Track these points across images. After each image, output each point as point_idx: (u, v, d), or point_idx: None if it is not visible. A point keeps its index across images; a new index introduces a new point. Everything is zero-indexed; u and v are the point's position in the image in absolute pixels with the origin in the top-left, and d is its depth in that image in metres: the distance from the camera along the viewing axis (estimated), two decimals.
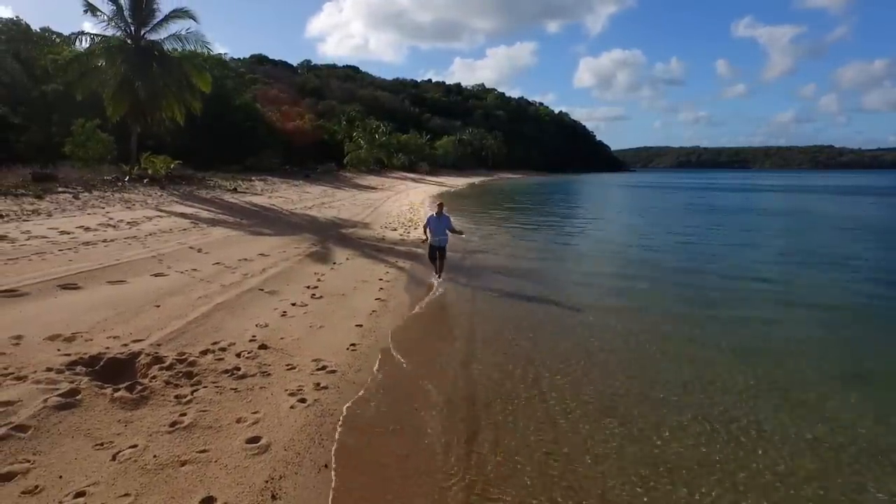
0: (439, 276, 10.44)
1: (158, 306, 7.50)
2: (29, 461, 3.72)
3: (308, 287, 9.28)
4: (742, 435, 4.72)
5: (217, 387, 5.15)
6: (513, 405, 5.20)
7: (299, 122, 54.58)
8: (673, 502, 3.79)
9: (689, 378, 5.98)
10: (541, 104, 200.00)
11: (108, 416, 4.46)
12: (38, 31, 40.12)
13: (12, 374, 4.94)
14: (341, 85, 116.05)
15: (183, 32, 25.38)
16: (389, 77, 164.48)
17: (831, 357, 6.94)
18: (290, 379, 5.46)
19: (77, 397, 4.62)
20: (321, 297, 8.72)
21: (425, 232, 10.71)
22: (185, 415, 4.56)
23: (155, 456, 3.93)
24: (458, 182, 67.27)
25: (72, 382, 4.85)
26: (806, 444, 4.61)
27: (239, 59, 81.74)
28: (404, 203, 31.29)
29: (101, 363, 5.38)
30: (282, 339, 6.58)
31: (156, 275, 9.37)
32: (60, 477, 3.59)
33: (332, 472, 3.93)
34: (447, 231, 10.56)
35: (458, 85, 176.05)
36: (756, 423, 4.95)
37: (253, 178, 34.41)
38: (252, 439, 4.24)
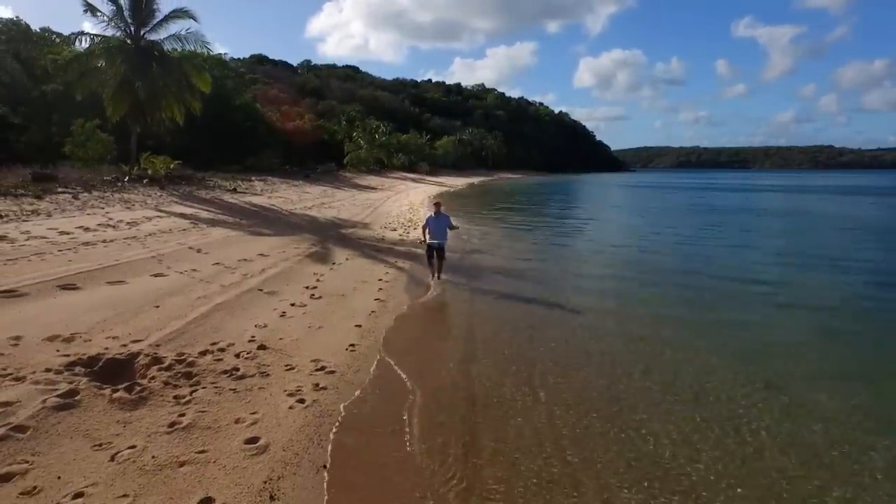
0: (438, 277, 10.40)
1: (158, 307, 7.50)
2: (27, 462, 3.72)
3: (307, 287, 9.28)
4: (737, 435, 4.72)
5: (216, 387, 5.15)
6: (511, 406, 5.20)
7: (299, 122, 54.60)
8: None
9: (687, 380, 5.98)
10: (541, 104, 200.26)
11: (107, 416, 4.46)
12: (38, 31, 40.17)
13: (11, 374, 4.94)
14: (341, 85, 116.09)
15: (183, 32, 25.43)
16: (389, 77, 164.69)
17: (831, 360, 6.92)
18: (289, 379, 5.46)
19: (76, 398, 4.62)
20: (320, 297, 8.72)
21: (424, 234, 10.61)
22: (183, 415, 4.56)
23: (153, 456, 3.93)
24: (458, 182, 67.29)
25: (70, 383, 4.85)
26: (805, 448, 4.60)
27: (239, 59, 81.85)
28: (404, 203, 31.30)
29: (100, 364, 5.39)
30: (281, 339, 6.58)
31: (155, 275, 9.38)
32: (59, 477, 3.59)
33: (331, 473, 3.93)
34: (447, 230, 10.52)
35: (458, 85, 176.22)
36: (754, 425, 4.95)
37: (253, 178, 34.42)
38: (251, 440, 4.24)
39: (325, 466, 4.02)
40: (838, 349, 7.34)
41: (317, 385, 5.36)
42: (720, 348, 7.03)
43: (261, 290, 8.91)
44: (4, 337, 5.84)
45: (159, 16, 25.56)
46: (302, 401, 4.99)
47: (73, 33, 25.85)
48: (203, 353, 5.91)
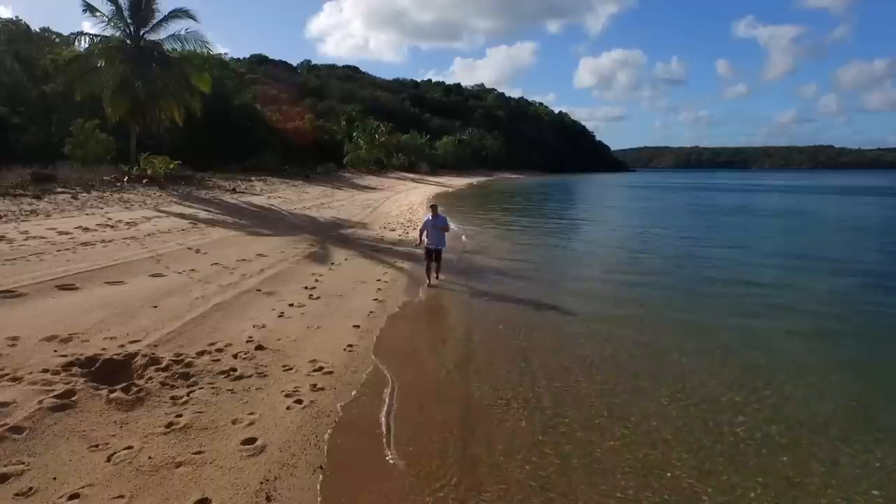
0: (437, 277, 10.34)
1: (156, 307, 7.49)
2: (23, 463, 3.71)
3: (306, 288, 9.27)
4: (730, 440, 4.72)
5: (213, 388, 5.15)
6: (508, 407, 5.19)
7: (299, 122, 54.60)
8: None
9: (686, 382, 5.97)
10: (540, 104, 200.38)
11: (104, 417, 4.46)
12: (38, 31, 40.22)
13: (8, 375, 4.94)
14: (341, 85, 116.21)
15: (182, 32, 25.46)
16: (389, 77, 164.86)
17: (830, 363, 6.91)
18: (287, 380, 5.45)
19: (73, 398, 4.61)
20: (319, 297, 8.71)
21: (421, 237, 10.45)
22: (180, 416, 4.56)
23: (150, 457, 3.92)
24: (458, 182, 67.28)
25: (67, 384, 4.85)
26: (805, 454, 4.59)
27: (239, 59, 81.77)
28: (403, 203, 31.30)
29: (98, 364, 5.38)
30: (279, 339, 6.57)
31: (154, 275, 9.37)
32: (54, 478, 3.58)
33: (327, 474, 3.93)
34: (443, 232, 10.40)
35: (458, 85, 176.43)
36: (750, 432, 4.94)
37: (252, 178, 34.40)
38: (248, 440, 4.23)
39: (321, 467, 4.01)
40: (839, 352, 7.26)
41: (314, 385, 5.35)
42: (718, 350, 7.03)
43: (259, 290, 8.90)
44: (2, 337, 5.84)
45: (159, 16, 25.59)
46: (300, 401, 4.98)
47: (72, 33, 25.92)
48: (201, 354, 5.90)
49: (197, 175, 29.94)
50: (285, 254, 12.36)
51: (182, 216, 17.40)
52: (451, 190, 52.62)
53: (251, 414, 4.68)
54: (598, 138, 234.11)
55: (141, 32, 25.61)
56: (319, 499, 3.66)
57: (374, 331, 7.28)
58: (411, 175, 69.38)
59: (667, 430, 4.76)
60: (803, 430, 4.86)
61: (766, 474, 4.13)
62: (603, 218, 28.52)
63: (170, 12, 25.55)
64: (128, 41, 25.44)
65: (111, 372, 5.30)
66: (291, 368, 5.75)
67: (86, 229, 13.33)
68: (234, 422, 4.53)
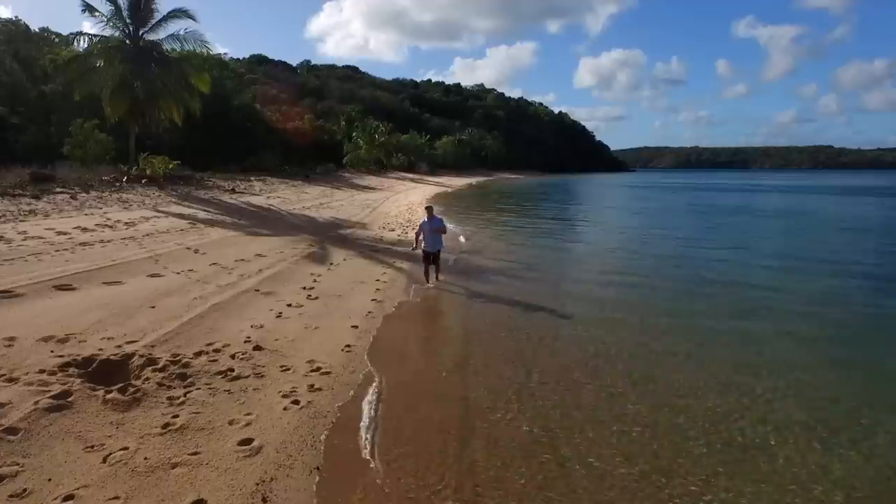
0: (437, 278, 10.29)
1: (153, 307, 7.48)
2: (18, 464, 3.69)
3: (304, 288, 9.25)
4: (725, 436, 4.70)
5: (210, 388, 5.13)
6: (506, 407, 5.17)
7: (298, 122, 54.60)
8: None
9: (684, 384, 5.95)
10: (540, 104, 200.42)
11: (100, 417, 4.44)
12: (38, 31, 40.21)
13: (4, 375, 4.92)
14: (341, 85, 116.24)
15: (182, 32, 25.48)
16: (389, 77, 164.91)
17: (830, 366, 6.87)
18: (284, 380, 5.44)
19: (69, 399, 4.60)
20: (317, 297, 8.69)
21: (417, 239, 10.34)
22: (177, 416, 4.54)
23: (146, 458, 3.90)
24: (457, 182, 67.27)
25: (64, 384, 4.83)
26: (807, 458, 4.58)
27: (238, 59, 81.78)
28: (403, 203, 31.28)
29: (94, 365, 5.36)
30: (276, 340, 6.55)
31: (152, 275, 9.36)
32: (49, 480, 3.57)
33: (323, 475, 3.91)
34: (440, 234, 10.17)
35: (458, 85, 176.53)
36: (746, 435, 4.92)
37: (252, 178, 34.39)
38: (244, 441, 4.22)
39: (318, 468, 3.99)
40: (838, 356, 7.19)
41: (312, 386, 5.33)
42: (717, 352, 7.01)
43: (258, 290, 8.88)
44: None
45: (158, 15, 25.62)
46: (297, 402, 4.97)
47: (71, 33, 25.94)
48: (198, 354, 5.89)
49: (196, 175, 29.93)
50: (284, 254, 12.35)
51: (181, 216, 17.39)
52: (450, 190, 52.62)
53: (248, 414, 4.67)
54: (597, 138, 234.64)
55: (140, 32, 25.62)
56: (315, 500, 3.64)
57: (373, 331, 7.27)
58: (411, 175, 69.36)
59: (666, 433, 4.73)
60: (803, 433, 4.84)
61: (766, 477, 4.11)
62: (602, 218, 28.51)
63: (169, 12, 25.61)
64: (127, 41, 25.44)
65: (108, 372, 5.28)
66: (289, 369, 5.73)
67: (84, 229, 13.31)
68: (230, 422, 4.51)
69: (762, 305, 9.35)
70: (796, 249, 16.93)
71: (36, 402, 4.43)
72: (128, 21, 25.23)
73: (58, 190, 18.88)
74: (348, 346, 6.59)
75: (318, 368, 5.79)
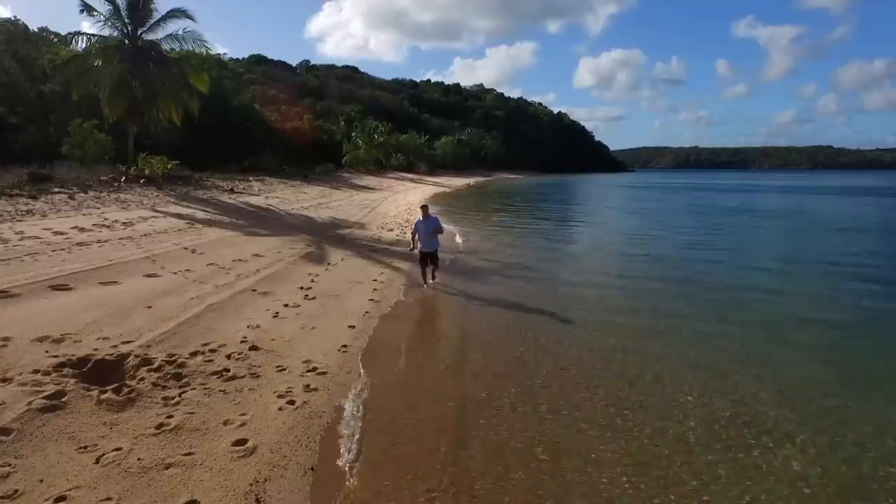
0: (433, 279, 10.21)
1: (150, 307, 7.45)
2: (10, 465, 3.67)
3: (302, 288, 9.23)
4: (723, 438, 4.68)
5: (205, 388, 5.11)
6: (503, 407, 5.16)
7: (298, 122, 54.57)
8: None
9: (682, 387, 5.93)
10: (539, 104, 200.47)
11: (94, 418, 4.42)
12: (36, 31, 40.13)
13: None
14: (340, 85, 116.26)
15: (180, 32, 25.41)
16: (388, 77, 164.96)
17: (827, 369, 6.86)
18: (280, 380, 5.42)
19: (63, 399, 4.57)
20: (314, 297, 8.67)
21: (413, 240, 10.23)
22: (171, 417, 4.52)
23: (139, 459, 3.88)
24: (456, 182, 67.26)
25: (58, 384, 4.80)
26: (806, 460, 4.56)
27: (238, 59, 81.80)
28: (402, 204, 31.26)
29: (89, 365, 5.34)
30: (273, 340, 6.53)
31: (149, 275, 9.33)
32: (41, 481, 3.55)
33: (318, 475, 3.89)
34: (437, 234, 10.04)
35: (457, 85, 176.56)
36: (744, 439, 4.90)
37: (250, 178, 34.34)
38: (239, 441, 4.20)
39: (312, 468, 3.97)
40: (835, 359, 7.14)
41: (308, 386, 5.32)
42: (716, 355, 6.98)
43: (255, 290, 8.86)
44: None
45: (157, 15, 25.58)
46: (292, 402, 4.95)
47: (70, 33, 25.87)
48: (194, 354, 5.87)
49: (195, 175, 29.89)
50: (282, 254, 12.33)
51: (179, 216, 17.35)
52: (448, 190, 52.60)
53: (243, 415, 4.65)
54: (597, 138, 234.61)
55: (138, 32, 25.58)
56: (309, 501, 3.63)
57: (369, 331, 7.25)
58: (410, 175, 69.32)
59: (663, 435, 4.71)
60: (804, 435, 4.83)
61: (766, 480, 4.10)
62: (601, 219, 28.47)
63: (167, 12, 25.57)
64: (125, 41, 25.40)
65: (103, 372, 5.26)
66: (285, 369, 5.71)
67: (82, 229, 13.28)
68: (225, 423, 4.49)
69: (761, 308, 9.28)
70: (795, 251, 16.90)
71: (29, 403, 4.41)
72: (126, 21, 25.18)
73: (55, 190, 18.84)
74: (345, 346, 6.57)
75: (315, 368, 5.77)
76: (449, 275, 11.13)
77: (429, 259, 10.04)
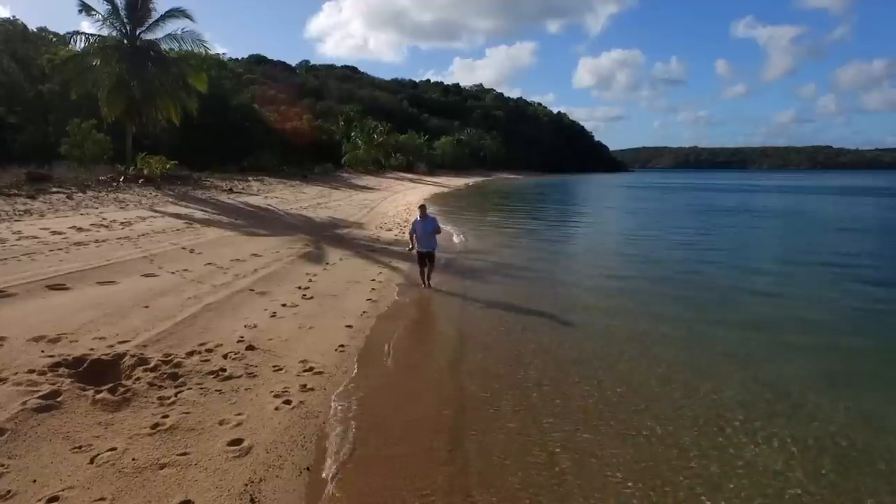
0: (429, 283, 10.03)
1: (147, 307, 7.43)
2: (3, 465, 3.65)
3: (299, 288, 9.22)
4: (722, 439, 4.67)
5: (202, 388, 5.10)
6: (500, 407, 5.14)
7: (297, 122, 54.54)
8: None
9: (681, 388, 5.91)
10: (539, 104, 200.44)
11: (89, 418, 4.40)
12: (35, 31, 40.09)
13: None
14: (340, 85, 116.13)
15: (179, 32, 25.38)
16: (388, 77, 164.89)
17: (826, 371, 6.84)
18: (277, 380, 5.40)
19: (57, 399, 4.55)
20: (312, 297, 8.66)
21: (411, 239, 10.10)
22: (167, 417, 4.51)
23: (134, 459, 3.87)
24: (456, 182, 67.23)
25: (53, 384, 4.79)
26: (793, 452, 4.55)
27: (237, 59, 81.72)
28: (401, 203, 31.24)
29: (85, 365, 5.32)
30: (270, 340, 6.52)
31: (146, 275, 9.31)
32: (34, 481, 3.53)
33: (313, 475, 3.87)
34: (434, 234, 9.95)
35: (457, 85, 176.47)
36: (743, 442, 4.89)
37: (250, 178, 34.31)
38: (234, 441, 4.18)
39: (308, 468, 3.96)
40: (835, 361, 7.11)
41: (304, 386, 5.30)
42: (715, 357, 6.95)
43: (252, 290, 8.84)
44: None
45: (155, 15, 25.57)
46: (288, 402, 4.94)
47: (68, 33, 25.84)
48: (190, 354, 5.85)
49: (194, 175, 29.85)
50: (280, 254, 12.31)
51: (177, 216, 17.33)
52: (447, 190, 52.58)
53: (239, 415, 4.63)
54: (596, 138, 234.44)
55: (137, 32, 25.56)
56: (304, 501, 3.61)
57: (367, 331, 7.24)
58: (409, 175, 69.28)
59: (661, 437, 4.69)
60: (805, 437, 4.82)
61: (767, 483, 4.09)
62: (601, 219, 28.44)
63: (166, 12, 25.55)
64: (124, 41, 25.38)
65: (99, 372, 5.24)
66: (281, 369, 5.70)
67: (79, 229, 13.26)
68: (221, 422, 4.48)
69: (760, 310, 9.22)
70: (794, 251, 16.83)
71: (24, 403, 4.39)
72: (125, 20, 25.16)
73: (54, 190, 18.81)
74: (342, 345, 6.55)
75: (311, 368, 5.76)
76: (448, 274, 11.11)
77: (426, 259, 9.99)
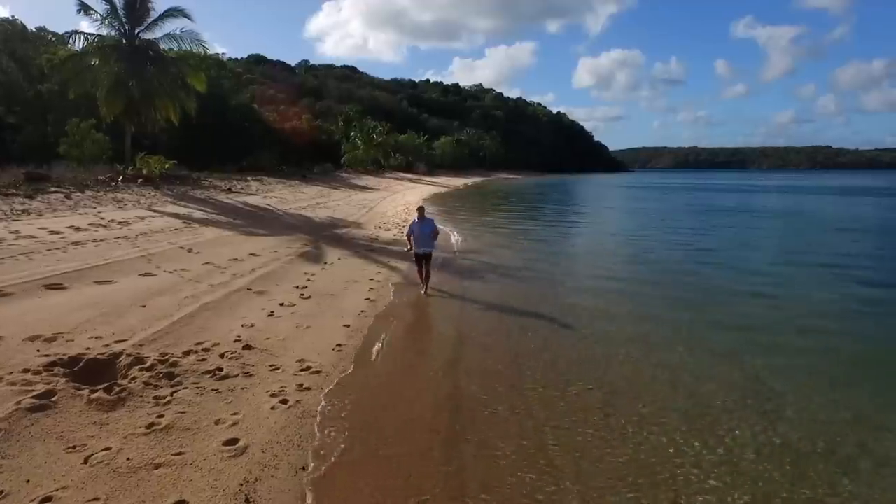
0: (426, 285, 9.79)
1: (144, 306, 7.41)
2: None
3: (297, 287, 9.19)
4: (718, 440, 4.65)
5: (198, 388, 5.07)
6: (498, 408, 5.11)
7: (296, 122, 54.48)
8: None
9: (681, 389, 5.90)
10: (539, 104, 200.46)
11: (84, 417, 4.38)
12: (34, 30, 40.05)
13: None
14: (339, 85, 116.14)
15: (178, 32, 25.32)
16: (388, 77, 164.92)
17: (826, 372, 6.82)
18: (273, 380, 5.38)
19: (52, 399, 4.54)
20: (310, 297, 8.63)
21: (409, 241, 9.92)
22: (162, 416, 4.48)
23: (128, 459, 3.84)
24: (455, 182, 67.22)
25: (48, 384, 4.77)
26: (791, 452, 4.53)
27: (236, 59, 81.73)
28: (400, 203, 31.22)
29: (81, 364, 5.30)
30: (267, 339, 6.49)
31: (144, 275, 9.29)
32: (27, 481, 3.50)
33: (310, 475, 3.85)
34: (432, 236, 9.83)
35: (457, 85, 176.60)
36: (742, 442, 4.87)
37: (249, 178, 34.28)
38: (230, 441, 4.16)
39: (304, 468, 3.93)
40: (833, 363, 7.08)
41: (301, 385, 5.28)
42: (715, 358, 6.93)
43: (250, 289, 8.82)
44: None
45: (154, 15, 25.47)
46: (285, 401, 4.91)
47: (67, 32, 25.79)
48: (187, 353, 5.83)
49: (193, 175, 29.80)
50: (278, 253, 12.28)
51: (176, 216, 17.30)
52: (447, 190, 52.56)
53: (235, 414, 4.61)
54: (596, 138, 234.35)
55: (136, 31, 25.49)
56: (300, 501, 3.58)
57: (364, 330, 7.21)
58: (409, 175, 69.25)
59: (659, 439, 4.66)
60: (804, 438, 4.80)
61: (765, 484, 4.07)
62: (600, 220, 28.41)
63: (165, 11, 25.48)
64: (123, 40, 25.34)
65: (94, 372, 5.22)
66: (278, 368, 5.67)
67: (77, 229, 13.23)
68: (216, 422, 4.45)
69: (758, 312, 9.14)
70: (794, 252, 16.77)
71: (18, 402, 4.37)
72: (124, 20, 25.10)
73: (52, 189, 18.76)
74: (339, 345, 6.53)
75: (308, 367, 5.73)
76: (446, 274, 11.09)
77: (423, 260, 9.92)
